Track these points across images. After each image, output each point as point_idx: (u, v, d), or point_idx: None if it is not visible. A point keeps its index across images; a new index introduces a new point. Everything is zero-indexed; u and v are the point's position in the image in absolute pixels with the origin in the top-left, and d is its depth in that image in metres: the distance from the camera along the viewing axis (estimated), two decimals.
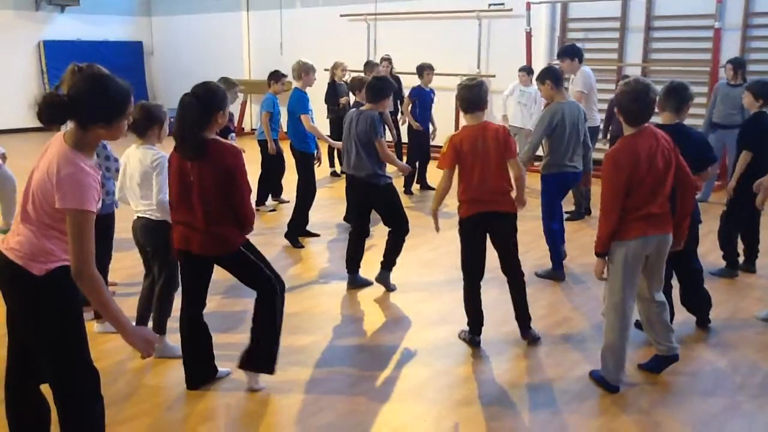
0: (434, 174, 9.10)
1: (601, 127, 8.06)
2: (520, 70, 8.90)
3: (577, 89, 7.09)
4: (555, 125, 5.31)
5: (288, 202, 7.82)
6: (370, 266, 5.40)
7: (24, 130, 12.21)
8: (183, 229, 3.52)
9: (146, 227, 4.02)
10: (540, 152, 5.80)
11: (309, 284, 5.52)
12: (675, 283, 4.43)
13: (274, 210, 7.89)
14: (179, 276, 4.05)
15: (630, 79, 3.69)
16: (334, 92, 9.40)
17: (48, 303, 2.53)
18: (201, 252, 3.50)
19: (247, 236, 3.63)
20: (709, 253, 5.83)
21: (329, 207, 7.84)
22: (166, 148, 3.84)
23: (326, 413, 3.53)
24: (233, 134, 6.15)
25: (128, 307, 4.14)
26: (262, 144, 7.76)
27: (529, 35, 10.46)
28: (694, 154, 3.94)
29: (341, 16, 12.75)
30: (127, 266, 5.43)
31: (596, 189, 4.30)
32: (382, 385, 3.86)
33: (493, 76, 10.65)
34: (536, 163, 6.63)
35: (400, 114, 9.66)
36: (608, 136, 8.13)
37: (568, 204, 7.05)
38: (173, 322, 4.05)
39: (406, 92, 9.39)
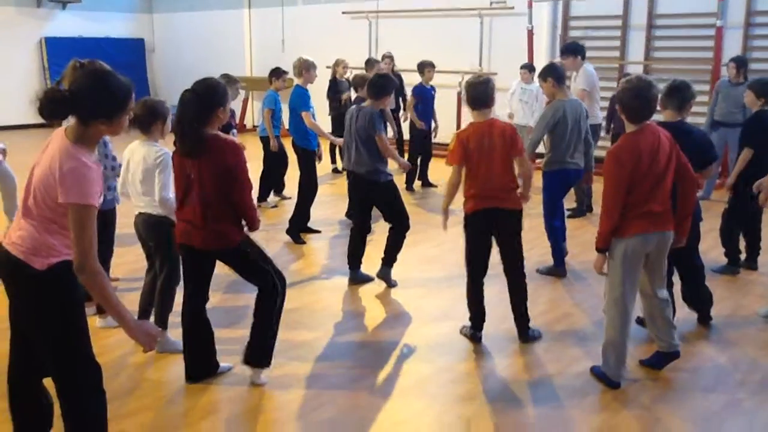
0: (435, 171, 9.17)
1: (603, 125, 8.06)
2: (521, 67, 8.89)
3: (580, 87, 7.08)
4: (557, 122, 5.31)
5: (290, 198, 7.83)
6: (371, 262, 5.40)
7: (25, 127, 12.22)
8: (185, 225, 3.53)
9: (147, 223, 4.03)
10: (541, 149, 5.80)
11: (310, 280, 5.52)
12: (676, 280, 4.43)
13: (275, 206, 7.90)
14: (181, 271, 4.07)
15: (632, 77, 3.70)
16: (335, 89, 9.39)
17: (49, 297, 2.54)
18: (202, 246, 3.50)
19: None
20: (711, 250, 5.83)
21: (331, 203, 7.85)
22: (168, 144, 3.85)
23: (327, 408, 3.53)
24: (235, 131, 6.16)
25: (130, 301, 4.15)
26: (264, 141, 7.76)
27: (530, 33, 10.45)
28: (695, 151, 3.94)
29: (343, 13, 12.75)
30: (129, 261, 5.44)
31: (598, 186, 4.31)
32: (383, 380, 3.87)
33: (495, 74, 10.63)
34: (537, 160, 6.64)
35: (401, 111, 9.67)
36: (610, 134, 8.12)
37: (569, 201, 7.06)
38: (175, 317, 4.06)
39: (407, 89, 9.40)
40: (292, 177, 7.28)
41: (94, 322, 4.35)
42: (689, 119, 4.25)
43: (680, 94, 4.11)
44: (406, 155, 9.04)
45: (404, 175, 8.60)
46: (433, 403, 3.61)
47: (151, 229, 4.03)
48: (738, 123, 7.22)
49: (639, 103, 3.52)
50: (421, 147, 8.83)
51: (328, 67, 9.67)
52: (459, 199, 4.32)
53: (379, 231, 5.76)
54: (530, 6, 10.36)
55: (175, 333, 4.07)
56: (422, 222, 6.95)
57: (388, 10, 12.25)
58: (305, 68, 6.58)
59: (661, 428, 3.39)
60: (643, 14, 9.72)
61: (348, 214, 6.96)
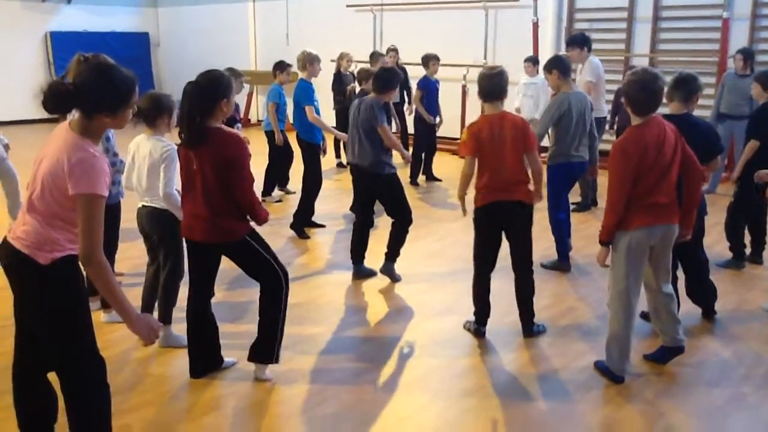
0: (440, 165, 9.15)
1: (608, 118, 8.02)
2: (525, 60, 8.85)
3: (587, 79, 7.04)
4: (561, 115, 5.29)
5: (294, 193, 7.83)
6: (375, 257, 5.40)
7: (31, 122, 12.26)
8: (189, 218, 3.53)
9: (152, 215, 4.03)
10: (546, 142, 5.78)
11: (314, 274, 5.53)
12: (680, 274, 4.42)
13: (280, 201, 7.90)
14: (184, 265, 4.07)
15: (638, 69, 3.68)
16: (339, 83, 9.37)
17: (54, 292, 2.55)
18: (205, 240, 3.50)
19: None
20: (716, 244, 5.81)
21: (335, 198, 7.85)
22: (175, 137, 3.84)
23: (331, 403, 3.54)
24: (239, 125, 6.15)
25: (134, 296, 4.15)
26: (269, 135, 7.76)
27: (535, 25, 10.40)
28: (701, 144, 3.92)
29: (347, 6, 12.71)
30: (133, 256, 5.45)
31: (603, 180, 4.29)
32: (387, 375, 3.87)
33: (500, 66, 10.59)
34: (543, 154, 6.61)
35: (406, 105, 9.65)
36: (615, 127, 8.09)
37: (574, 195, 7.03)
38: (179, 312, 4.07)
39: (412, 82, 9.37)
40: (296, 171, 7.27)
41: (99, 317, 4.37)
42: (695, 112, 4.23)
43: (687, 87, 4.09)
44: (411, 149, 9.05)
45: (408, 169, 8.59)
46: (437, 398, 3.61)
47: (155, 222, 4.03)
48: (744, 115, 7.18)
49: (645, 95, 3.50)
50: (426, 141, 8.81)
51: (332, 61, 9.64)
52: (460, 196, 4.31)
53: (384, 225, 5.76)
54: None
55: (178, 327, 4.08)
56: (425, 216, 6.95)
57: (392, 3, 12.21)
58: (309, 62, 6.56)
59: (665, 423, 3.39)
60: (649, 6, 9.66)
61: (352, 209, 6.95)
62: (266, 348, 3.68)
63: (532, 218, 4.24)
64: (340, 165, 9.73)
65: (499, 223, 4.20)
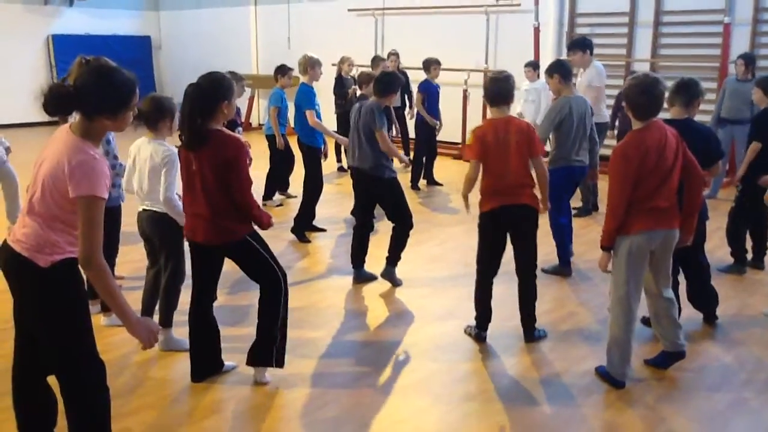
0: (441, 170, 9.15)
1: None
2: (525, 65, 8.85)
3: (594, 84, 7.03)
4: (562, 120, 5.30)
5: (295, 197, 7.83)
6: (376, 261, 5.40)
7: (33, 125, 12.26)
8: (190, 219, 3.54)
9: (152, 218, 4.02)
10: (546, 147, 5.77)
11: (315, 278, 5.52)
12: (682, 279, 4.41)
13: (281, 205, 7.90)
14: (185, 268, 4.07)
15: (638, 74, 3.69)
16: (341, 86, 9.39)
17: (53, 295, 2.55)
18: (206, 241, 3.50)
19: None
20: (717, 249, 5.81)
21: (336, 201, 7.85)
22: (176, 139, 3.83)
23: (331, 407, 3.53)
24: (240, 128, 6.16)
25: (134, 300, 4.14)
26: (270, 139, 7.77)
27: (537, 30, 10.42)
28: (702, 149, 3.92)
29: (349, 10, 12.73)
30: (134, 260, 5.45)
31: (603, 185, 4.29)
32: (387, 379, 3.87)
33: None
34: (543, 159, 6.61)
35: (407, 109, 9.66)
36: (615, 131, 8.09)
37: (575, 200, 7.03)
38: (180, 315, 4.07)
39: (413, 87, 9.38)
40: (297, 175, 7.27)
41: (99, 320, 4.36)
42: (696, 117, 4.23)
43: (688, 92, 4.09)
44: (412, 153, 9.06)
45: (409, 174, 8.59)
46: (438, 402, 3.61)
47: (155, 225, 4.03)
48: (745, 120, 7.19)
49: (645, 99, 3.50)
50: (427, 145, 8.81)
51: (333, 65, 9.67)
52: (461, 198, 4.31)
53: (385, 230, 5.76)
54: (537, 3, 10.33)
55: (179, 331, 4.08)
56: (426, 221, 6.95)
57: (393, 7, 12.23)
58: (310, 65, 6.57)
59: (666, 428, 3.38)
60: (650, 11, 9.67)
61: (353, 212, 6.95)
62: (264, 351, 3.67)
63: (538, 222, 4.24)
64: (341, 169, 9.73)
65: (504, 227, 4.20)
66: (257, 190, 3.59)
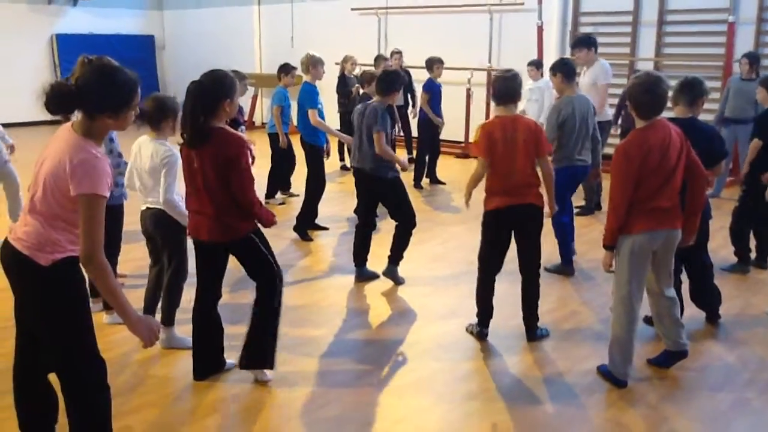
0: (444, 168, 9.15)
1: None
2: (528, 65, 8.81)
3: (600, 82, 7.01)
4: (564, 119, 5.29)
5: (298, 195, 7.83)
6: (378, 260, 5.39)
7: (36, 124, 12.27)
8: (194, 217, 3.54)
9: (155, 217, 4.02)
10: None
11: (317, 277, 5.52)
12: (684, 278, 4.40)
13: (283, 203, 7.90)
14: (187, 267, 4.07)
15: (641, 72, 3.68)
16: (344, 85, 9.39)
17: (54, 293, 2.55)
18: (210, 239, 3.50)
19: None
20: (721, 248, 5.79)
21: (339, 200, 7.85)
22: (177, 139, 3.83)
23: (333, 406, 3.53)
24: (243, 127, 6.15)
25: (137, 298, 4.16)
26: (273, 137, 7.76)
27: (540, 29, 10.40)
28: (705, 148, 3.91)
29: (352, 9, 12.72)
30: (136, 258, 5.45)
31: (607, 184, 4.28)
32: (389, 378, 3.86)
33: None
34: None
35: (410, 108, 9.65)
36: (618, 130, 8.07)
37: (578, 199, 7.02)
38: (182, 314, 4.07)
39: (416, 86, 9.36)
40: (300, 174, 7.27)
41: (101, 318, 4.37)
42: (701, 116, 4.21)
43: (692, 91, 4.07)
44: (415, 152, 9.05)
45: (412, 172, 8.58)
46: (440, 401, 3.60)
47: (158, 224, 4.03)
48: (749, 119, 7.16)
49: (648, 98, 3.49)
50: (430, 144, 8.80)
51: (336, 64, 9.66)
52: (462, 197, 4.30)
53: (386, 228, 5.76)
54: (540, 2, 10.31)
55: (181, 329, 4.08)
56: (429, 220, 6.94)
57: (397, 6, 12.22)
58: (312, 64, 6.57)
59: (668, 427, 3.37)
60: (654, 10, 9.64)
61: (356, 211, 6.94)
62: (258, 353, 3.66)
63: (543, 222, 4.23)
64: (344, 168, 9.73)
65: (508, 226, 4.19)
66: (260, 188, 3.58)
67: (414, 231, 5.27)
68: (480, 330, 4.32)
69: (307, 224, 6.60)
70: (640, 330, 3.84)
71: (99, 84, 2.51)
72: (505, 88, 4.16)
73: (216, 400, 3.58)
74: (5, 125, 6.68)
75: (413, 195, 6.46)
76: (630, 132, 3.63)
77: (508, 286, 4.56)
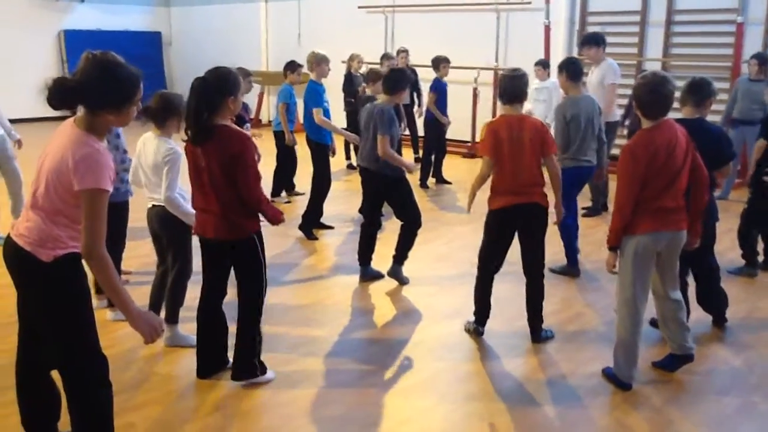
0: (450, 168, 9.12)
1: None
2: (535, 64, 8.78)
3: (608, 81, 6.97)
4: (568, 121, 5.26)
5: (303, 194, 7.82)
6: (384, 259, 5.38)
7: (45, 119, 12.30)
8: (200, 215, 3.53)
9: (160, 215, 4.01)
10: None
11: (321, 276, 5.51)
12: (691, 281, 4.37)
13: (289, 202, 7.89)
14: (192, 265, 4.07)
15: (647, 72, 3.66)
16: (350, 84, 9.37)
17: (56, 289, 2.55)
18: (215, 236, 3.49)
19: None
20: (728, 251, 5.75)
21: (344, 199, 7.83)
22: (182, 136, 3.82)
23: (336, 405, 3.52)
24: (248, 125, 6.14)
25: (142, 295, 4.17)
26: (278, 135, 7.76)
27: (547, 29, 10.36)
28: (713, 149, 3.89)
29: (359, 7, 12.70)
30: (141, 255, 5.46)
31: (614, 185, 4.25)
32: (392, 378, 3.85)
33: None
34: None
35: (416, 106, 9.62)
36: (626, 131, 8.03)
37: (585, 200, 6.99)
38: (186, 312, 4.07)
39: (422, 84, 9.34)
40: (305, 172, 7.26)
41: (105, 314, 4.37)
42: (708, 117, 4.18)
43: (700, 91, 4.05)
44: (421, 152, 9.04)
45: (418, 172, 8.55)
46: (443, 401, 3.59)
47: (164, 222, 4.01)
48: (757, 121, 7.11)
49: (654, 98, 3.47)
50: (436, 143, 8.78)
51: (343, 62, 9.65)
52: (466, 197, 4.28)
53: (392, 228, 5.74)
54: (548, 1, 10.28)
55: (185, 327, 4.08)
56: (434, 219, 6.92)
57: (404, 4, 12.20)
58: (317, 62, 6.55)
59: (673, 431, 3.35)
60: (662, 10, 9.58)
61: (361, 210, 6.93)
62: (247, 364, 3.64)
63: (547, 222, 4.21)
64: (350, 167, 9.71)
65: (512, 226, 4.17)
66: (265, 187, 3.56)
67: (419, 231, 5.25)
68: (476, 328, 4.31)
69: (312, 223, 6.59)
70: (646, 333, 3.82)
71: (100, 79, 2.50)
72: (512, 87, 4.14)
73: (219, 398, 3.58)
74: (13, 121, 6.70)
75: (419, 195, 6.45)
76: (636, 132, 3.61)
77: (512, 287, 4.54)
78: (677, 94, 3.70)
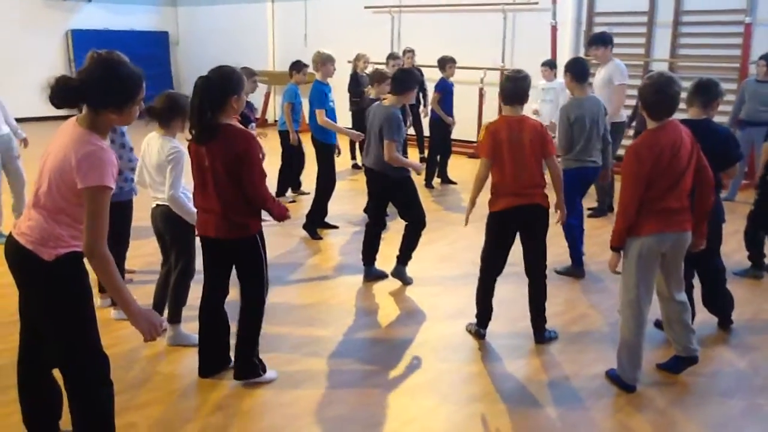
0: (455, 168, 9.10)
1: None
2: (542, 65, 8.75)
3: (615, 82, 6.94)
4: (572, 122, 5.24)
5: (308, 193, 7.82)
6: (388, 259, 5.37)
7: (52, 119, 12.36)
8: (201, 214, 3.53)
9: (165, 214, 4.01)
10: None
11: (325, 276, 5.51)
12: (696, 282, 4.35)
13: (293, 201, 7.89)
14: (195, 265, 4.07)
15: (653, 73, 3.64)
16: (356, 84, 9.36)
17: (57, 288, 2.56)
18: (217, 236, 3.48)
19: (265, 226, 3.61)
20: (735, 252, 5.72)
21: (349, 199, 7.83)
22: (186, 135, 3.82)
23: (339, 405, 3.52)
24: (253, 124, 6.15)
25: (145, 294, 4.18)
26: (283, 135, 7.76)
27: (554, 29, 10.33)
28: (720, 150, 3.86)
29: (365, 7, 12.70)
30: (145, 254, 5.47)
31: (619, 185, 4.23)
32: (395, 378, 3.84)
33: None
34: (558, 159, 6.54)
35: (421, 107, 9.61)
36: (632, 132, 8.00)
37: (590, 200, 6.96)
38: (188, 311, 4.07)
39: (428, 84, 9.32)
40: (310, 172, 7.26)
41: (108, 313, 4.38)
42: (715, 118, 4.16)
43: (707, 92, 4.03)
44: (426, 152, 9.02)
45: (423, 172, 8.53)
46: (445, 402, 3.58)
47: (168, 222, 4.01)
48: (765, 122, 7.08)
49: (659, 98, 3.45)
50: (441, 144, 8.76)
51: (349, 62, 9.64)
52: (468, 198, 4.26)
53: (397, 228, 5.73)
54: (554, 1, 10.24)
55: (187, 326, 4.08)
56: (439, 220, 6.91)
57: (410, 5, 12.19)
58: (321, 62, 6.54)
59: None
60: (670, 10, 9.54)
61: (366, 210, 6.92)
62: (248, 364, 3.65)
63: (548, 223, 4.19)
64: (355, 166, 9.71)
65: (514, 227, 4.16)
66: (270, 186, 3.56)
67: (423, 231, 5.24)
68: (478, 330, 4.30)
69: (316, 222, 6.59)
70: (650, 334, 3.79)
71: (102, 78, 2.51)
72: (515, 88, 4.12)
73: (221, 397, 3.57)
74: (20, 120, 6.72)
75: (424, 195, 6.44)
76: (641, 133, 3.59)
77: (515, 288, 4.52)
78: (683, 95, 3.68)
